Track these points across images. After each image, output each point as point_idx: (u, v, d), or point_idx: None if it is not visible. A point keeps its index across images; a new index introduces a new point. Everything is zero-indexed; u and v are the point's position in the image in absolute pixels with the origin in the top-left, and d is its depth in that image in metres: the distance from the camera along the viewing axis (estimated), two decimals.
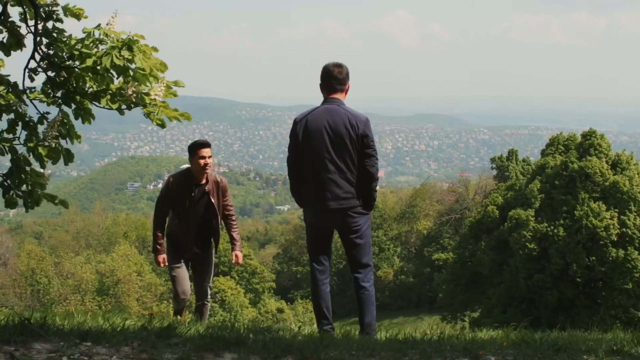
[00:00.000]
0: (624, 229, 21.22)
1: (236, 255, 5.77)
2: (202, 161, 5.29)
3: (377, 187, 4.58)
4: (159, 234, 5.51)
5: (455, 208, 41.10)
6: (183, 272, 5.60)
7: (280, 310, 35.55)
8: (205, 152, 5.31)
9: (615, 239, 21.13)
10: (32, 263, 33.01)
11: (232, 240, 5.78)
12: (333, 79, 4.40)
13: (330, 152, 4.27)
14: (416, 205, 44.34)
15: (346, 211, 4.34)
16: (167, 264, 5.55)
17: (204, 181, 5.42)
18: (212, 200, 5.44)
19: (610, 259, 20.87)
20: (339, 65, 4.44)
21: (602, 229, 20.93)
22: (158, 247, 5.54)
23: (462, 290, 27.47)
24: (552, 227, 21.77)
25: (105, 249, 42.01)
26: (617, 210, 21.57)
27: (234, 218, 5.77)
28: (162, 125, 3.92)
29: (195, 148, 5.32)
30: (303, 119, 4.37)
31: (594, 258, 21.16)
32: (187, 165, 5.50)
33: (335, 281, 37.98)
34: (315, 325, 4.81)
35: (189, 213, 5.39)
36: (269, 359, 3.00)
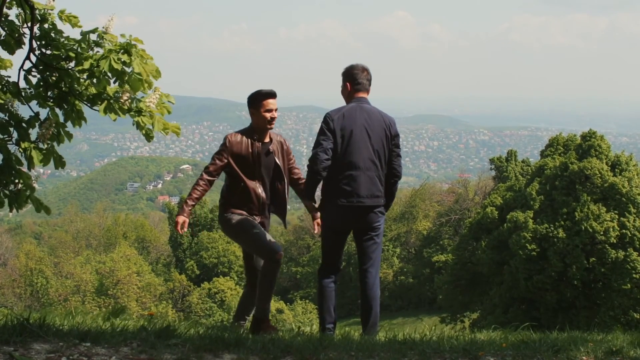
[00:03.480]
0: (624, 230, 21.22)
1: (318, 224, 4.87)
2: (268, 114, 4.60)
3: None
4: (194, 195, 4.61)
5: (454, 209, 41.10)
6: (263, 229, 4.63)
7: (279, 311, 35.51)
8: (273, 103, 4.64)
9: (615, 241, 21.12)
10: (31, 263, 33.01)
11: (311, 205, 4.82)
12: (365, 79, 4.50)
13: (369, 150, 4.31)
14: (415, 206, 44.34)
15: (374, 209, 4.38)
16: (185, 229, 4.60)
17: (267, 139, 4.70)
18: (278, 162, 4.70)
19: (610, 260, 20.87)
20: (367, 68, 4.55)
21: (602, 232, 20.91)
22: (184, 206, 4.61)
23: (461, 292, 27.47)
24: (551, 229, 21.76)
25: (105, 249, 42.01)
26: (616, 211, 21.57)
27: (303, 182, 4.88)
28: (149, 137, 3.86)
29: (261, 98, 4.61)
30: (339, 115, 4.35)
31: (593, 259, 21.16)
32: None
33: None
34: (314, 326, 4.81)
35: (252, 176, 4.62)
36: None
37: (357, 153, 4.29)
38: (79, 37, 3.76)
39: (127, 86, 3.69)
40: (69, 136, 3.96)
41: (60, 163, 3.93)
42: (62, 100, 3.87)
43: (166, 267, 42.40)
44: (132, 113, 3.78)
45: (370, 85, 4.54)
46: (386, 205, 4.48)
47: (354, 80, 4.48)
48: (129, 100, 3.73)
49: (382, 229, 4.48)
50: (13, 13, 3.80)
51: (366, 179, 4.30)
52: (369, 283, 4.42)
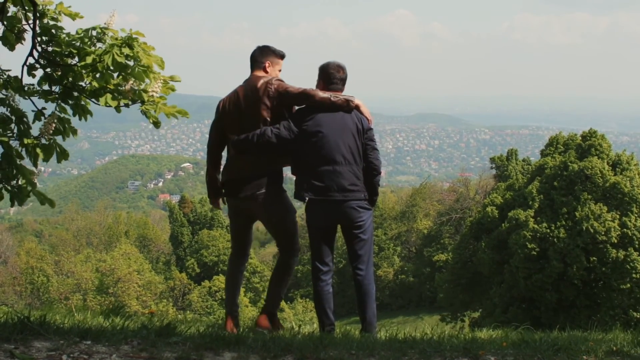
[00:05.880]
0: (624, 230, 21.19)
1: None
2: (279, 74, 4.54)
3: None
4: None
5: (455, 207, 41.09)
6: None
7: (279, 309, 35.58)
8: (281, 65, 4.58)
9: (616, 240, 21.08)
10: (32, 261, 33.05)
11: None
12: (338, 79, 4.50)
13: (339, 145, 4.30)
14: (416, 205, 44.34)
15: (350, 204, 4.36)
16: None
17: None
18: None
19: (610, 259, 20.84)
20: (342, 67, 4.55)
21: (603, 232, 20.87)
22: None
23: (462, 291, 27.47)
24: (552, 228, 21.73)
25: (106, 247, 42.05)
26: (618, 211, 21.52)
27: None
28: (157, 124, 3.87)
29: (279, 56, 4.53)
30: (309, 112, 4.37)
31: (594, 259, 21.13)
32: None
33: (336, 280, 37.98)
34: (315, 325, 4.81)
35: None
36: (268, 358, 3.00)
37: (327, 149, 4.29)
38: (80, 31, 3.76)
39: (129, 78, 3.69)
40: (74, 131, 3.96)
41: (63, 155, 3.91)
42: (66, 96, 3.87)
43: (166, 266, 42.45)
44: (138, 105, 3.79)
45: (344, 83, 4.54)
46: (370, 200, 4.46)
47: (328, 80, 4.49)
48: (132, 92, 3.73)
49: (367, 225, 4.45)
50: (13, 10, 3.79)
51: (337, 174, 4.30)
52: (360, 280, 4.43)
